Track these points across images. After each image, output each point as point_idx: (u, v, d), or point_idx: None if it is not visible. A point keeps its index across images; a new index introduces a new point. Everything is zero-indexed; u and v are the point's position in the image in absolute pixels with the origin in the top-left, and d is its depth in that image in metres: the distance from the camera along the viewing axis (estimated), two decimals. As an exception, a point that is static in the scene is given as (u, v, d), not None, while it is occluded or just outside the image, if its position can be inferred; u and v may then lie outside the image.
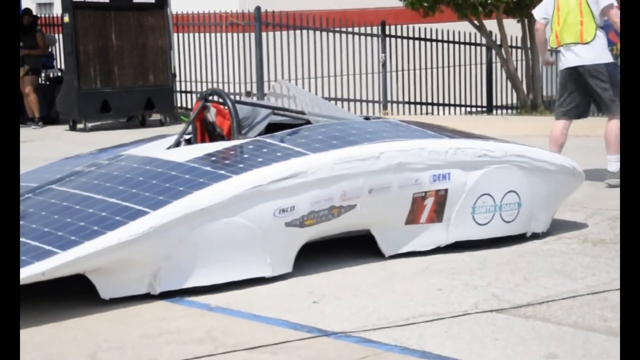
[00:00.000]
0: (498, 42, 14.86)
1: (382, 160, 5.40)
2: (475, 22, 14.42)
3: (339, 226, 5.37)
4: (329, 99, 15.27)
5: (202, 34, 15.36)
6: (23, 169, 5.10)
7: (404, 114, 15.51)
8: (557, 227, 6.27)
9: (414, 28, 15.81)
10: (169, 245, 4.80)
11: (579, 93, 7.86)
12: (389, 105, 15.60)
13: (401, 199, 5.50)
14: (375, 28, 15.50)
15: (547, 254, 5.60)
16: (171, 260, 4.83)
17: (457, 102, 16.24)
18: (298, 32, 15.04)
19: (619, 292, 4.74)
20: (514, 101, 15.55)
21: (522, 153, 6.00)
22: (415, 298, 4.81)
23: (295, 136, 5.58)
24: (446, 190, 5.62)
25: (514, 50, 15.35)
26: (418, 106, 16.01)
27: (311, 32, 15.16)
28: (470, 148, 5.76)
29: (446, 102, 16.14)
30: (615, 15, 7.61)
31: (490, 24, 14.70)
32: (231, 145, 5.52)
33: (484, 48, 15.90)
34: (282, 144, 5.46)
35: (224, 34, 15.16)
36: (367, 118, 6.55)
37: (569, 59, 7.81)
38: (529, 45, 14.69)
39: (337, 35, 15.42)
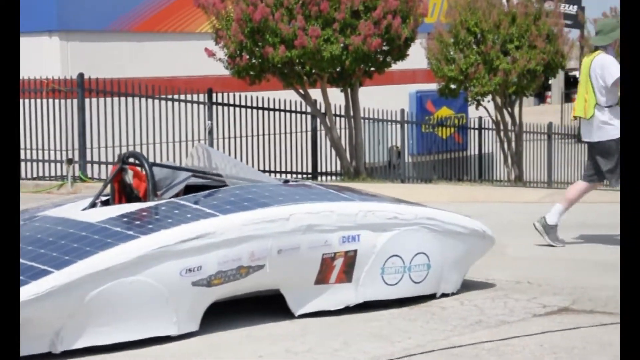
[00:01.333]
0: (322, 111, 15.18)
1: (292, 221, 5.50)
2: (301, 90, 14.69)
3: (247, 286, 5.43)
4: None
5: (23, 100, 14.96)
6: None
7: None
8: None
9: (240, 96, 15.98)
10: (73, 304, 4.80)
11: (591, 162, 8.01)
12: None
13: (310, 260, 5.57)
14: (202, 95, 15.58)
15: (367, 319, 5.70)
16: (75, 319, 4.83)
17: (284, 169, 16.43)
18: (123, 98, 14.92)
19: (432, 353, 4.92)
20: (338, 168, 15.92)
21: (433, 216, 6.14)
22: (236, 366, 4.83)
23: (208, 198, 5.66)
24: (355, 251, 5.71)
25: (337, 118, 15.56)
26: (245, 173, 16.07)
27: (136, 99, 15.03)
28: (380, 211, 5.88)
29: (272, 168, 16.30)
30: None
31: (315, 93, 15.05)
32: (145, 207, 5.55)
33: (309, 116, 16.12)
34: (194, 205, 5.51)
35: (44, 100, 14.79)
36: (286, 181, 6.66)
37: (581, 131, 8.11)
38: (352, 113, 15.12)
39: (164, 102, 15.39)
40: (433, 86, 17.72)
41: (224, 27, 13.54)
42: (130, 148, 14.82)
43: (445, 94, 16.60)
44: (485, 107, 16.71)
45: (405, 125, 17.97)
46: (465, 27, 15.73)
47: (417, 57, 15.97)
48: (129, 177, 5.91)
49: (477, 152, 19.74)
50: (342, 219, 5.70)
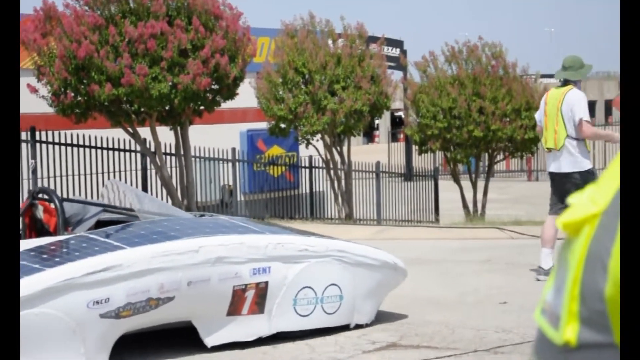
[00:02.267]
0: (152, 149, 14.99)
1: (201, 254, 5.55)
2: (129, 129, 14.38)
3: (158, 318, 5.47)
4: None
5: None
6: None
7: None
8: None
9: (66, 134, 15.51)
10: None
11: (557, 193, 8.03)
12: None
13: (221, 291, 5.60)
14: (24, 133, 15.07)
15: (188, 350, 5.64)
16: None
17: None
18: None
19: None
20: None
21: (343, 248, 6.24)
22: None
23: (118, 232, 5.73)
24: (267, 283, 5.77)
25: (168, 157, 15.33)
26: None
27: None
28: (290, 243, 5.97)
29: (101, 208, 15.90)
30: (583, 131, 7.72)
31: (144, 131, 14.79)
32: (54, 241, 5.65)
33: (139, 155, 15.91)
34: (103, 239, 5.56)
35: None
36: (201, 215, 6.78)
37: (549, 163, 8.12)
38: (182, 152, 14.97)
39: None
40: (264, 125, 17.77)
41: (47, 64, 13.12)
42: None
43: (275, 133, 16.68)
44: (315, 146, 16.90)
45: (237, 163, 17.92)
46: (293, 67, 15.87)
47: (247, 96, 15.97)
48: (40, 212, 6.00)
49: (308, 191, 19.90)
50: (252, 251, 5.76)
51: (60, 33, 12.89)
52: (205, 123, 15.35)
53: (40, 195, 6.07)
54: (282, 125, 16.24)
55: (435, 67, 17.83)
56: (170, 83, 13.02)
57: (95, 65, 12.77)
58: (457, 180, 17.77)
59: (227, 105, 14.77)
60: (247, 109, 19.50)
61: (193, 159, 15.33)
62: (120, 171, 15.67)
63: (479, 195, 17.64)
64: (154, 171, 15.03)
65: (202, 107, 14.04)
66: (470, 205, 17.77)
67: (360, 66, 15.92)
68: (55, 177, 15.02)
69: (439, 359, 5.52)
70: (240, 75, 13.86)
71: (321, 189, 20.07)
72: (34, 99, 13.53)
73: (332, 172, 17.36)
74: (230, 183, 17.93)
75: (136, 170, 15.76)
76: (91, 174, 15.47)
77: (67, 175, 15.14)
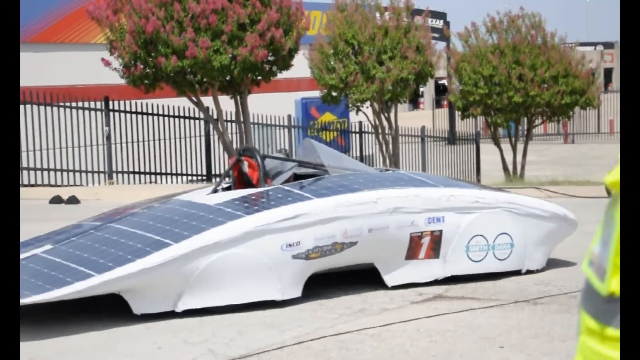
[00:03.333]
0: (215, 117, 15.17)
1: (380, 204, 5.88)
2: (193, 98, 14.56)
3: (343, 260, 5.85)
4: (54, 169, 14.78)
5: None
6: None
7: (128, 183, 15.30)
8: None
9: (136, 103, 15.69)
10: (190, 271, 5.31)
11: None
12: (114, 175, 15.34)
13: (399, 238, 5.90)
14: (99, 103, 15.27)
15: (259, 310, 5.75)
16: (192, 284, 5.34)
17: (179, 172, 16.23)
18: (22, 107, 14.49)
19: (321, 340, 4.95)
20: (231, 170, 15.83)
21: (513, 200, 6.48)
22: (138, 358, 4.78)
23: (310, 184, 6.12)
24: (441, 231, 6.03)
25: (229, 124, 15.59)
26: (143, 176, 15.87)
27: (35, 106, 14.72)
28: (462, 195, 6.18)
29: (169, 171, 16.08)
30: None
31: (207, 100, 14.95)
32: (255, 192, 6.05)
33: (202, 122, 16.07)
34: (297, 190, 5.96)
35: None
36: (386, 170, 7.15)
37: None
38: (242, 119, 15.07)
39: (62, 109, 15.02)
40: (317, 93, 17.81)
41: (118, 39, 13.28)
42: (31, 154, 14.43)
43: (327, 101, 16.70)
44: (364, 113, 16.90)
45: (292, 129, 18.00)
46: (343, 39, 15.85)
47: (301, 66, 16.02)
48: (245, 167, 6.37)
49: (358, 154, 19.95)
50: (427, 202, 6.05)
51: (130, 10, 13.05)
52: (262, 92, 15.46)
53: (245, 153, 6.53)
54: (334, 94, 16.25)
55: (477, 37, 17.66)
56: (230, 55, 13.14)
57: (162, 40, 12.93)
58: (497, 143, 17.66)
59: (282, 75, 14.84)
60: (301, 79, 19.55)
61: (252, 125, 15.46)
62: (185, 137, 15.87)
63: (519, 158, 17.52)
64: (216, 137, 15.18)
65: (259, 77, 14.14)
66: (510, 167, 17.67)
67: (406, 37, 15.85)
68: (127, 142, 15.26)
69: (482, 309, 5.56)
70: (294, 47, 13.92)
71: (370, 153, 20.09)
72: (107, 72, 13.75)
73: (380, 136, 17.36)
74: (287, 147, 18.02)
75: (200, 136, 15.95)
76: (159, 139, 15.69)
77: (138, 142, 15.37)
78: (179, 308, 5.37)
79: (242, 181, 6.42)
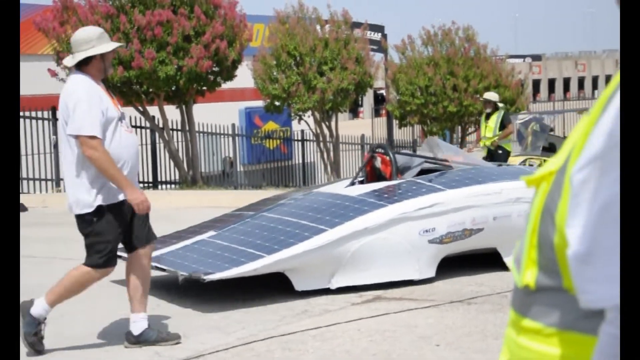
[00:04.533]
0: (160, 126, 15.04)
1: (503, 194, 6.33)
2: (140, 107, 14.42)
3: (471, 245, 6.33)
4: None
5: None
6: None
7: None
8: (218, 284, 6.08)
9: (83, 113, 15.47)
10: (343, 254, 5.79)
11: None
12: (61, 183, 15.10)
13: (519, 225, 5.91)
14: (46, 112, 15.03)
15: (204, 313, 5.71)
16: (344, 264, 5.81)
17: (126, 179, 16.04)
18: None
19: (265, 341, 4.92)
20: (177, 177, 15.73)
21: None
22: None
23: (438, 177, 6.63)
24: None
25: (175, 132, 15.44)
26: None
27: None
28: None
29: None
30: None
31: (153, 110, 14.79)
32: (390, 184, 6.59)
33: (148, 131, 15.93)
34: (427, 183, 6.45)
35: None
36: (500, 165, 7.70)
37: None
38: (187, 128, 14.96)
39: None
40: (260, 103, 17.76)
41: (65, 50, 13.09)
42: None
43: (270, 110, 16.69)
44: (306, 122, 16.92)
45: (237, 137, 17.93)
46: (285, 50, 15.86)
47: (244, 77, 15.97)
48: (378, 162, 6.88)
49: (300, 161, 19.95)
50: None
51: (76, 21, 12.87)
52: (207, 102, 15.37)
53: (378, 150, 7.02)
54: (277, 103, 16.25)
55: (413, 50, 17.84)
56: (175, 66, 13.04)
57: (108, 51, 12.74)
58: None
59: (227, 85, 14.78)
60: (245, 89, 19.49)
61: (197, 134, 15.36)
62: (132, 145, 15.63)
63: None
64: (162, 145, 15.02)
65: (204, 88, 14.06)
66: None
67: (345, 49, 15.92)
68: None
69: (420, 309, 5.60)
70: (238, 58, 13.88)
71: (312, 160, 20.11)
72: (54, 82, 13.49)
73: (321, 144, 17.40)
74: (231, 155, 17.95)
75: (146, 144, 15.76)
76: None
77: (84, 150, 15.12)
78: (333, 285, 5.82)
79: (375, 175, 6.92)
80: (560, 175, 1.20)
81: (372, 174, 7.02)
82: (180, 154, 14.93)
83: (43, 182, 14.81)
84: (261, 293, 6.01)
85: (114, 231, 4.59)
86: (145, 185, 15.80)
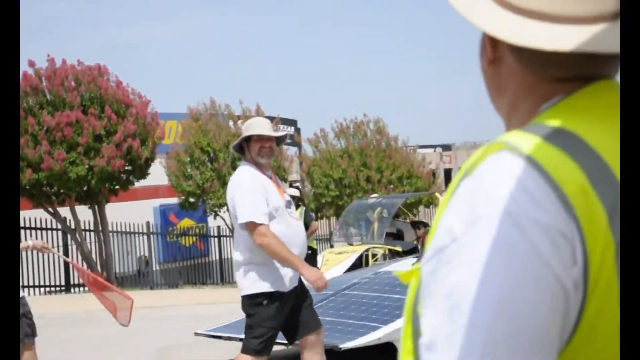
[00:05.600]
0: (72, 227, 14.64)
1: None
2: (50, 209, 14.02)
3: None
4: None
5: None
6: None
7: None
8: None
9: (-9, 216, 14.96)
10: None
11: None
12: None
13: None
14: None
15: None
16: None
17: (37, 283, 15.49)
18: None
19: None
20: (90, 279, 15.21)
21: None
22: None
23: None
24: None
25: (87, 233, 15.11)
26: None
27: None
28: None
29: (26, 284, 15.30)
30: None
31: (64, 211, 14.42)
32: None
33: (59, 232, 15.49)
34: None
35: None
36: None
37: None
38: (100, 228, 14.60)
39: None
40: (174, 200, 17.53)
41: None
42: None
43: (185, 207, 16.46)
44: (222, 217, 16.73)
45: (152, 236, 17.57)
46: (199, 147, 15.78)
47: (158, 174, 15.77)
48: None
49: (218, 257, 19.64)
50: None
51: (-18, 124, 12.49)
52: (120, 200, 15.05)
53: None
54: (192, 200, 16.05)
55: (326, 142, 17.98)
56: (86, 166, 12.78)
57: (16, 153, 12.43)
58: (350, 242, 17.79)
59: (140, 183, 14.54)
60: (159, 186, 19.22)
61: (111, 234, 14.98)
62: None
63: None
64: (74, 247, 14.57)
65: (117, 187, 13.79)
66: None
67: (259, 144, 15.91)
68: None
69: None
70: (151, 156, 13.71)
71: (230, 256, 19.81)
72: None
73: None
74: (146, 254, 17.54)
75: (58, 246, 15.25)
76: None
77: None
78: None
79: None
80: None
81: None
82: (93, 255, 14.50)
83: None
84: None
85: (279, 319, 4.44)
86: (58, 288, 15.23)
